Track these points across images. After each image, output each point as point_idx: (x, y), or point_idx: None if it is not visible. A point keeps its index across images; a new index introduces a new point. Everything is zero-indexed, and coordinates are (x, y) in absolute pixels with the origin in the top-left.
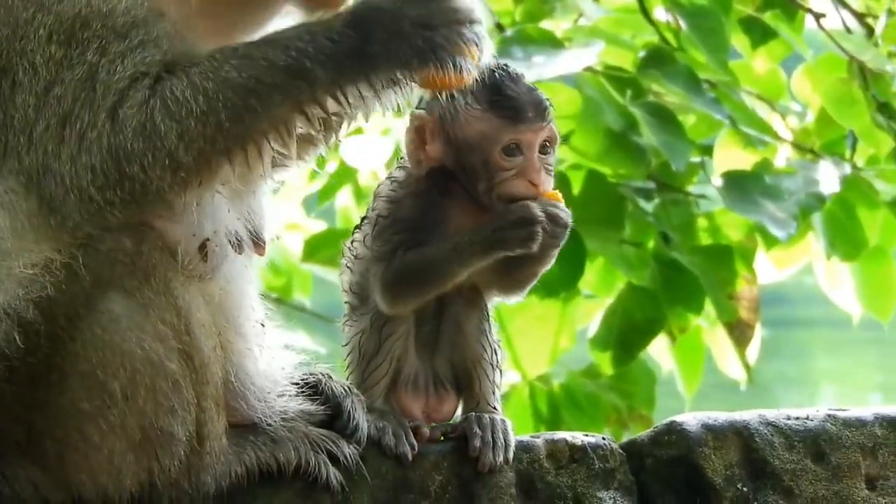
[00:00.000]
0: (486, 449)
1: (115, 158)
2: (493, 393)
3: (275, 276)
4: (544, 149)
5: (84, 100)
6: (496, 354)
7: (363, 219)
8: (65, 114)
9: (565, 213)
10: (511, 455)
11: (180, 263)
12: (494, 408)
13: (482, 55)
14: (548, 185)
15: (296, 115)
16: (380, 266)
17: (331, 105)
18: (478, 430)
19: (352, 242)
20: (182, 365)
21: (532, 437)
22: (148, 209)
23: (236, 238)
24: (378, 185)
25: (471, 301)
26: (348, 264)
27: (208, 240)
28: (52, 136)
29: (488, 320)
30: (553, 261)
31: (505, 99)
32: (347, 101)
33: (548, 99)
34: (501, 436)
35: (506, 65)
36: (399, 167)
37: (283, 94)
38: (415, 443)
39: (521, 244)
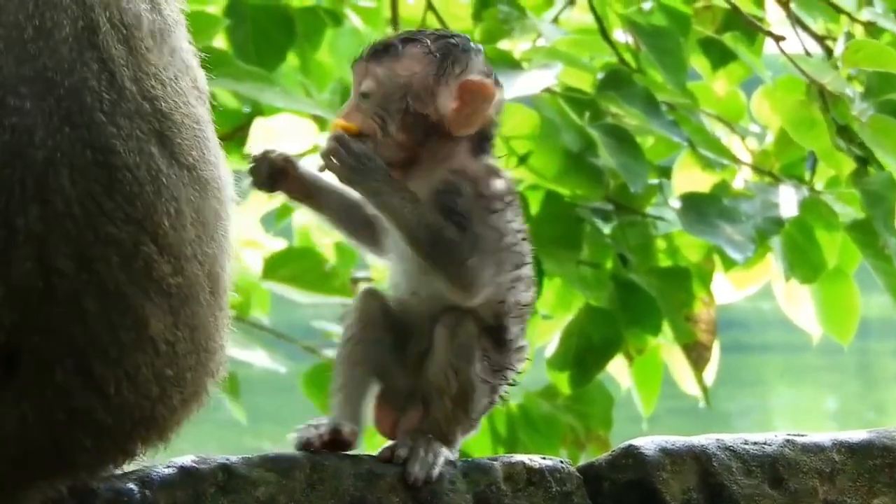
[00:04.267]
0: (411, 459)
1: None
2: (448, 425)
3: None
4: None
5: None
6: (465, 393)
7: None
8: None
9: (354, 144)
10: (434, 473)
11: None
12: (446, 438)
13: None
14: (363, 124)
15: None
16: None
17: None
18: (408, 441)
19: None
20: None
21: (489, 459)
22: None
23: None
24: None
25: (452, 330)
26: None
27: None
28: None
29: (466, 357)
30: (374, 198)
31: None
32: None
33: (410, 41)
34: (426, 451)
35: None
36: None
37: None
38: (324, 434)
39: (258, 182)
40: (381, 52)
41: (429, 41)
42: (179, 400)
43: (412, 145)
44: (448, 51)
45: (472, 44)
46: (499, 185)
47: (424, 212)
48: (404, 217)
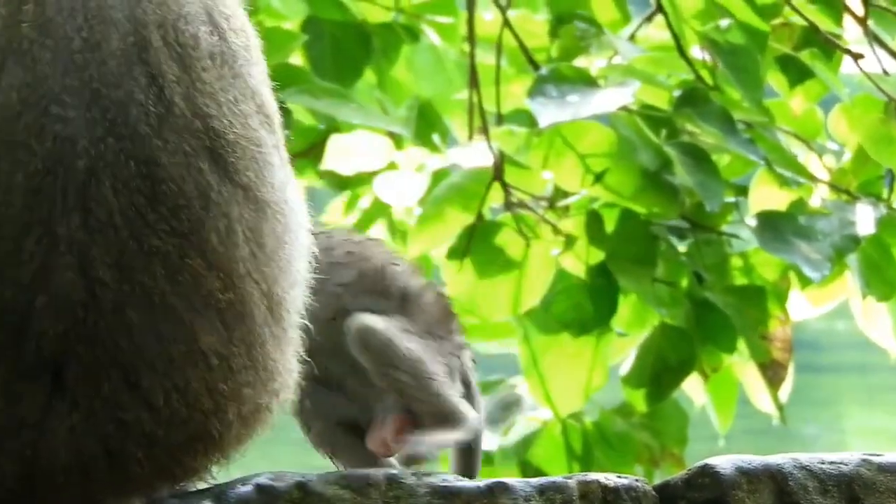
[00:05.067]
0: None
1: None
2: (437, 406)
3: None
4: None
5: None
6: (421, 377)
7: None
8: None
9: None
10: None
11: None
12: (448, 417)
13: None
14: None
15: None
16: None
17: None
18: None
19: None
20: None
21: (564, 478)
22: None
23: None
24: None
25: (359, 338)
26: None
27: None
28: None
29: (386, 347)
30: None
31: None
32: None
33: None
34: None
35: None
36: None
37: None
38: None
39: None
40: None
41: None
42: (237, 416)
43: None
44: None
45: None
46: None
47: None
48: None
